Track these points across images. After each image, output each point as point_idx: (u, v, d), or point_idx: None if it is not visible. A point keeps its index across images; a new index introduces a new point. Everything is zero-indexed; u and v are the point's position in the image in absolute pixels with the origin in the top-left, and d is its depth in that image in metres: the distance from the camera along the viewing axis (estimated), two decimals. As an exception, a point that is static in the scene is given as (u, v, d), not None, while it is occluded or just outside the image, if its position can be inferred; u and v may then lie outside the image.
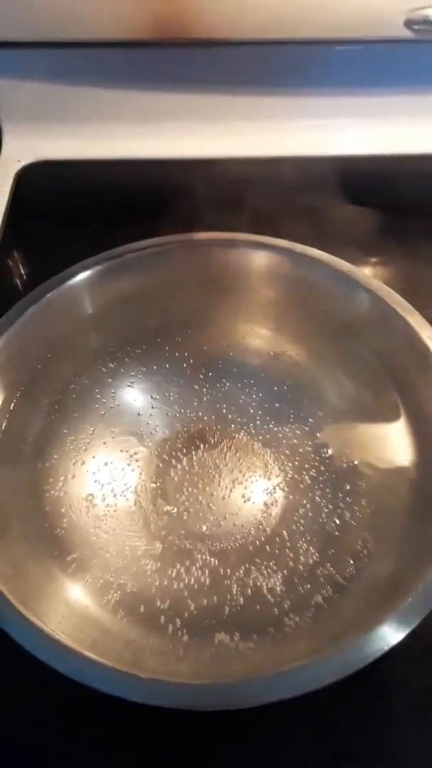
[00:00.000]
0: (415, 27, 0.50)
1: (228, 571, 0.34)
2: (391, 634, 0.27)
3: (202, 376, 0.40)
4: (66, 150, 0.55)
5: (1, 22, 0.49)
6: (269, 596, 0.33)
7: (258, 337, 0.41)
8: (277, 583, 0.34)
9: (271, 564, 0.35)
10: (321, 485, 0.37)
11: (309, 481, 0.37)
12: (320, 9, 0.48)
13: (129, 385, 0.40)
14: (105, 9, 0.48)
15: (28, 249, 0.51)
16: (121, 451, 0.38)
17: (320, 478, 0.37)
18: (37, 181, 0.54)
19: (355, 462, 0.37)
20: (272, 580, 0.34)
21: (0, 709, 0.32)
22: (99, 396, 0.39)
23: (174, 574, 0.34)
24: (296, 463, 0.38)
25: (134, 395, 0.40)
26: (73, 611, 0.31)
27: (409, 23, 0.49)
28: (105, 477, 0.37)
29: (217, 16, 0.48)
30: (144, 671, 0.27)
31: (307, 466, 0.38)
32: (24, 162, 0.55)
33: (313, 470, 0.38)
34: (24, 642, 0.27)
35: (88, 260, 0.38)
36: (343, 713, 0.32)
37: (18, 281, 0.49)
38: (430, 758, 0.31)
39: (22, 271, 0.50)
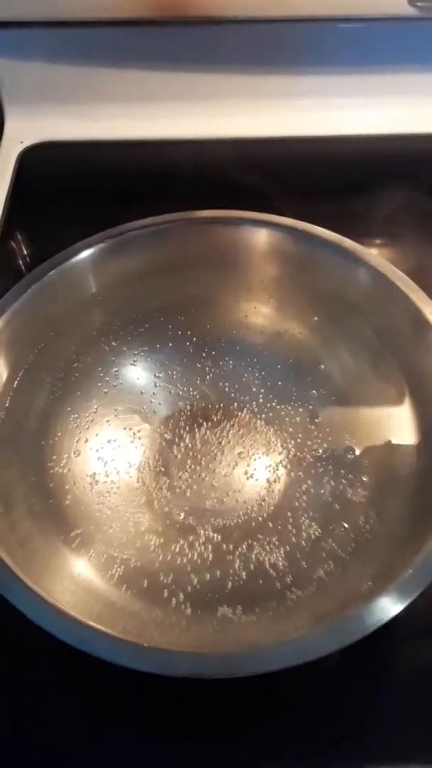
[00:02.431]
0: (419, 4, 0.49)
1: (230, 546, 0.35)
2: (390, 605, 0.27)
3: (204, 355, 0.41)
4: (68, 131, 0.55)
5: (2, 2, 0.48)
6: (271, 571, 0.34)
7: (260, 315, 0.41)
8: (280, 558, 0.34)
9: (274, 539, 0.35)
10: (323, 462, 0.37)
11: (311, 459, 0.37)
12: (323, -15, 0.47)
13: (132, 364, 0.40)
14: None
15: (31, 230, 0.51)
16: (125, 428, 0.38)
17: (322, 455, 0.37)
18: (40, 162, 0.54)
19: (357, 439, 0.37)
20: (274, 555, 0.34)
21: (7, 680, 0.32)
22: (102, 374, 0.39)
23: (177, 549, 0.35)
24: (298, 440, 0.38)
25: (137, 373, 0.40)
26: (78, 585, 0.32)
27: (412, 0, 0.49)
28: (108, 454, 0.37)
29: (218, -6, 0.48)
30: (148, 642, 0.27)
31: (309, 443, 0.38)
32: (27, 143, 0.55)
33: (316, 447, 0.38)
34: (31, 613, 0.27)
35: (90, 238, 0.38)
36: (344, 683, 0.32)
37: (21, 262, 0.49)
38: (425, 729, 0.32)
39: (25, 252, 0.50)
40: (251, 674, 0.26)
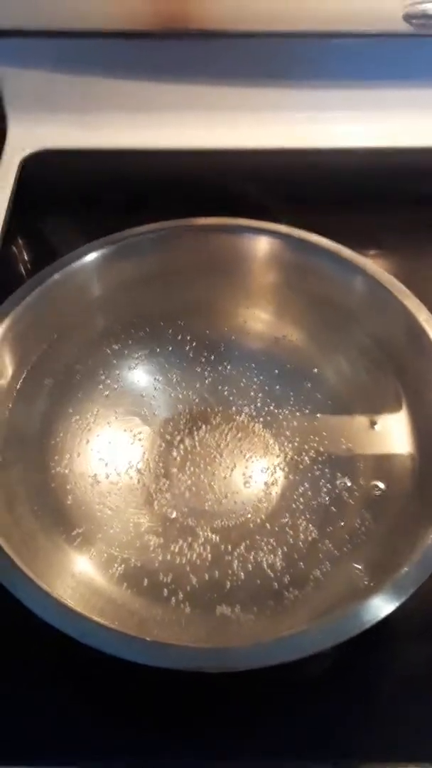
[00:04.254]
0: (414, 21, 0.50)
1: (229, 547, 0.35)
2: (385, 603, 0.28)
3: (204, 359, 0.41)
4: (70, 139, 0.55)
5: (5, 11, 0.49)
6: (269, 571, 0.34)
7: (259, 321, 0.42)
8: (277, 559, 0.35)
9: (271, 541, 0.35)
10: (320, 465, 0.38)
11: (308, 462, 0.38)
12: (320, 2, 0.49)
13: (133, 367, 0.41)
14: (109, 0, 0.48)
15: (32, 238, 0.52)
16: (125, 430, 0.39)
17: (319, 458, 0.38)
18: (42, 169, 0.55)
19: (354, 443, 0.38)
20: (272, 556, 0.35)
21: (11, 674, 0.33)
22: (103, 377, 0.40)
23: (176, 549, 0.35)
24: (296, 443, 0.39)
25: (138, 377, 0.41)
26: (79, 582, 0.32)
27: (407, 17, 0.50)
28: (109, 455, 0.38)
29: (218, 8, 0.49)
30: (149, 637, 0.28)
31: (306, 447, 0.39)
32: (29, 151, 0.55)
33: (313, 451, 0.38)
34: (35, 608, 0.28)
35: (93, 243, 0.39)
36: (339, 682, 0.33)
37: (23, 269, 0.50)
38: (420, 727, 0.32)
39: (27, 259, 0.51)
40: (250, 668, 0.27)
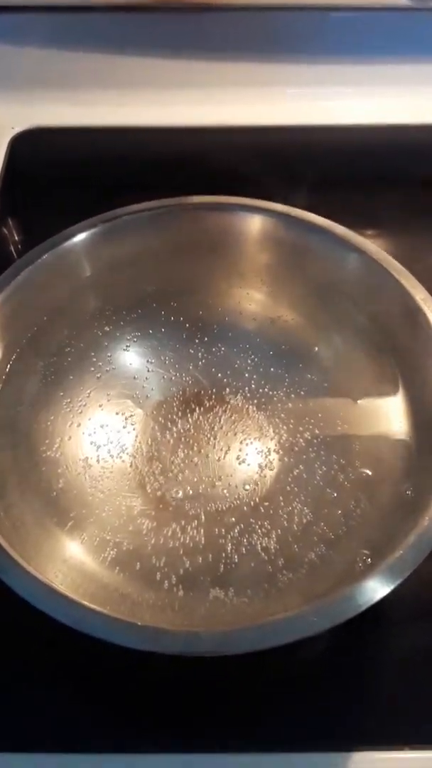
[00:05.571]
0: (413, -6, 0.49)
1: (223, 530, 0.35)
2: (380, 586, 0.28)
3: (197, 341, 0.41)
4: (60, 117, 0.54)
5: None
6: (263, 554, 0.34)
7: (253, 301, 0.41)
8: (272, 542, 0.34)
9: (266, 523, 0.35)
10: (315, 447, 0.37)
11: (303, 444, 0.38)
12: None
13: (125, 349, 0.40)
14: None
15: (22, 217, 0.51)
16: (117, 413, 0.38)
17: (314, 440, 0.38)
18: (32, 148, 0.54)
19: (349, 425, 0.38)
20: (266, 538, 0.35)
21: (9, 670, 0.33)
22: (95, 359, 0.39)
23: (169, 533, 0.35)
24: (291, 426, 0.38)
25: (130, 359, 0.40)
26: (71, 567, 0.32)
27: (406, -10, 0.49)
28: (101, 439, 0.37)
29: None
30: (141, 622, 0.27)
31: (301, 428, 0.38)
32: (18, 129, 0.54)
33: (308, 433, 0.38)
34: (25, 594, 0.27)
35: (84, 222, 0.38)
36: (334, 666, 0.33)
37: (13, 249, 0.49)
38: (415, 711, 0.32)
39: (17, 239, 0.50)
40: (244, 652, 0.26)
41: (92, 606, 0.27)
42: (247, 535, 0.35)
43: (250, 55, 0.54)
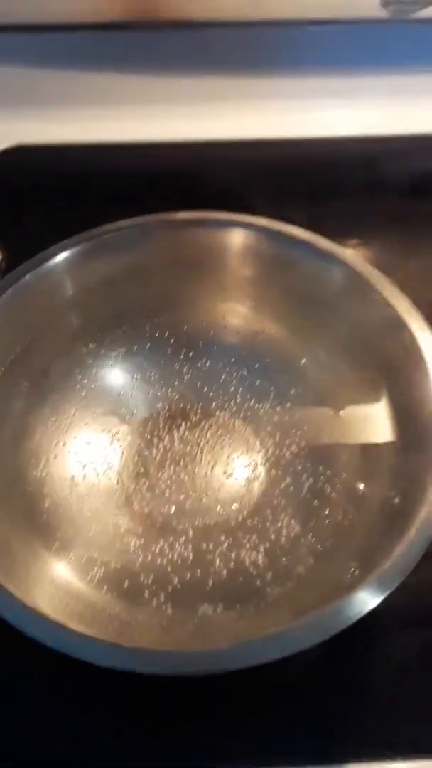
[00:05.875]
0: (391, 7, 0.50)
1: (211, 545, 0.35)
2: (370, 597, 0.28)
3: (182, 356, 0.41)
4: (43, 134, 0.54)
5: (-27, 7, 0.48)
6: (252, 569, 0.34)
7: (238, 315, 0.41)
8: (260, 556, 0.34)
9: (254, 537, 0.35)
10: (302, 460, 0.37)
11: (290, 457, 0.38)
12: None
13: (110, 366, 0.40)
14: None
15: (6, 235, 0.51)
16: (103, 430, 0.38)
17: (301, 452, 0.38)
18: (15, 166, 0.54)
19: (335, 436, 0.38)
20: (254, 553, 0.35)
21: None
22: (80, 377, 0.39)
23: (157, 549, 0.35)
24: (277, 439, 0.38)
25: (115, 375, 0.40)
26: (58, 587, 0.32)
27: (385, 3, 0.50)
28: (87, 457, 0.37)
29: (189, -3, 0.48)
30: (128, 642, 0.27)
31: (288, 441, 0.38)
32: (3, 146, 0.54)
33: (294, 445, 0.38)
34: (10, 617, 0.27)
35: (66, 241, 0.38)
36: (326, 677, 0.32)
37: (-3, 268, 0.49)
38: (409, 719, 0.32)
39: (1, 257, 0.50)
40: (232, 670, 0.26)
41: (77, 629, 0.27)
42: (235, 550, 0.35)
43: (227, 70, 0.54)
